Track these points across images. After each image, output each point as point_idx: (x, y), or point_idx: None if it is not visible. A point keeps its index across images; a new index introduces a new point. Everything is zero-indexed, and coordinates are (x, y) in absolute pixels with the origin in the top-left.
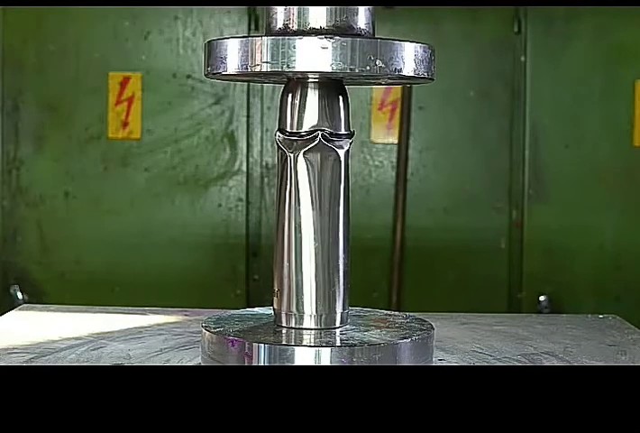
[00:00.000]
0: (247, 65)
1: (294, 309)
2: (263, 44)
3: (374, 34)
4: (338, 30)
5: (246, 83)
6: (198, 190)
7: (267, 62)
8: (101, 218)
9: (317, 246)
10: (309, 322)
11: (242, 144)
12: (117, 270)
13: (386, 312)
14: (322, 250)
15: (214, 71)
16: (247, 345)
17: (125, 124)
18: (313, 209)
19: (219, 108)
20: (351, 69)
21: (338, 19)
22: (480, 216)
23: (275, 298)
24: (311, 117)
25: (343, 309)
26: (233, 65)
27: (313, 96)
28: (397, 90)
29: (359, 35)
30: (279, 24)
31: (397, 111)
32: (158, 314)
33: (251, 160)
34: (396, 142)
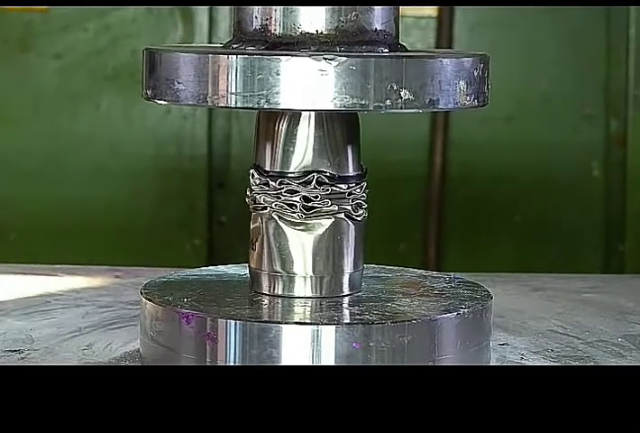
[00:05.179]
0: (206, 96)
1: (280, 268)
2: (231, 66)
3: (398, 38)
4: (344, 36)
5: None
6: (136, 88)
7: (236, 94)
8: None
9: None
10: (303, 288)
11: (203, 18)
12: (14, 208)
13: (420, 272)
14: None
15: (159, 98)
16: (209, 323)
17: None
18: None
19: None
20: (362, 106)
21: (343, 18)
22: (562, 127)
23: (252, 251)
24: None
25: (355, 268)
26: (185, 94)
27: (305, 123)
28: None
29: (375, 42)
30: (256, 25)
31: None
32: (75, 275)
33: (215, 41)
34: (435, 14)
